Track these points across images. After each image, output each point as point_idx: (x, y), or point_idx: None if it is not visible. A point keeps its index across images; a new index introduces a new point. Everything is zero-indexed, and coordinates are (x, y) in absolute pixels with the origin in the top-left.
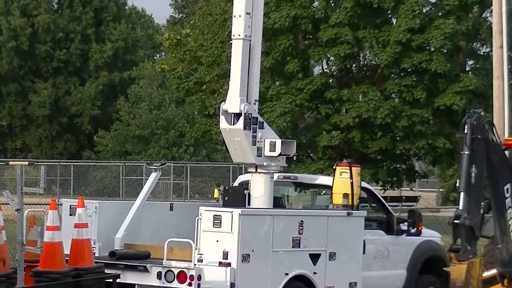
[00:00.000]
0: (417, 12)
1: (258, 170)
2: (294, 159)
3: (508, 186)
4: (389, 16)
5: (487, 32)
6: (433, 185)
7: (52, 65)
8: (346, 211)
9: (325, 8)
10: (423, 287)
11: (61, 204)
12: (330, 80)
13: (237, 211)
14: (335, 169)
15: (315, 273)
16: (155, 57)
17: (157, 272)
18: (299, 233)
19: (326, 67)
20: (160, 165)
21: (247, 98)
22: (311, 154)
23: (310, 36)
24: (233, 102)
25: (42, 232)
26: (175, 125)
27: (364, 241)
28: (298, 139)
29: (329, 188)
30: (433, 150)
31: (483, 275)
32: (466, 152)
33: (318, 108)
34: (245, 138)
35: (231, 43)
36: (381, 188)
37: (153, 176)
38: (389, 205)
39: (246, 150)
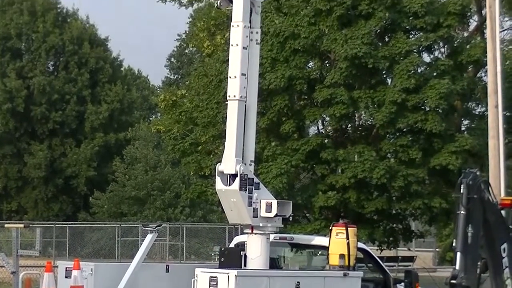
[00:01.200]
0: (412, 72)
1: (254, 231)
2: (290, 219)
3: (504, 245)
4: (384, 76)
5: (482, 92)
6: (430, 244)
7: (48, 126)
8: (342, 271)
9: (320, 69)
10: None
11: (57, 266)
12: (326, 140)
13: (233, 273)
14: (331, 229)
15: None
16: (150, 118)
17: None
18: None
19: (322, 127)
20: (156, 227)
21: (242, 159)
22: (307, 215)
23: (306, 97)
24: (228, 163)
25: None
26: (171, 186)
27: None
28: (294, 199)
29: (326, 248)
30: (429, 210)
31: None
32: (462, 212)
33: (314, 169)
34: (241, 199)
35: (227, 104)
36: (378, 248)
37: (149, 237)
38: (386, 265)
39: (242, 211)
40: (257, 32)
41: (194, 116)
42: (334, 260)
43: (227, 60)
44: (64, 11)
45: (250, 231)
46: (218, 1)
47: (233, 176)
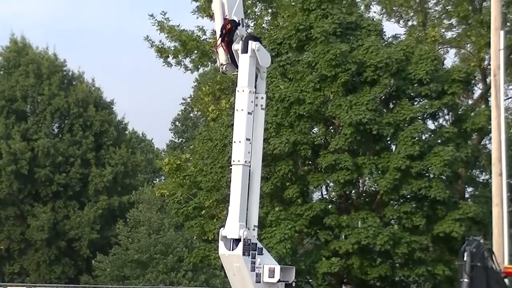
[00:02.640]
0: (416, 139)
1: None
2: (293, 285)
3: None
4: (389, 142)
5: (486, 160)
6: None
7: (52, 189)
8: None
9: (325, 134)
10: None
11: None
12: (330, 206)
13: None
14: None
15: None
16: (154, 182)
17: None
18: None
19: (326, 193)
20: None
21: (246, 224)
22: (310, 281)
23: (310, 162)
24: (232, 227)
25: None
26: (174, 250)
27: None
28: (297, 265)
29: None
30: (433, 277)
31: None
32: (465, 280)
33: (317, 234)
34: (244, 264)
35: (231, 168)
36: None
37: None
38: None
39: (245, 276)
40: (262, 98)
41: (198, 180)
42: None
43: (232, 125)
44: (70, 74)
45: None
46: (224, 66)
47: (237, 241)
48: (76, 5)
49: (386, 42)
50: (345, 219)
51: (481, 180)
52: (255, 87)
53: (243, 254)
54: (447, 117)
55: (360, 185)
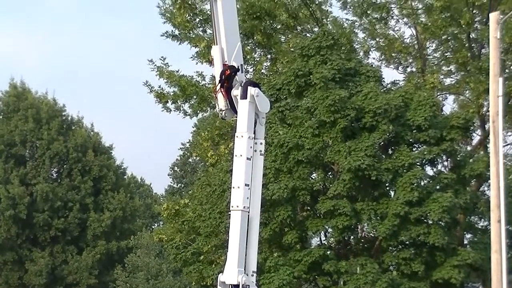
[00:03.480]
0: (415, 185)
1: None
2: None
3: None
4: (387, 188)
5: (485, 206)
6: None
7: (50, 233)
8: None
9: (324, 180)
10: None
11: None
12: (328, 252)
13: None
14: None
15: None
16: (153, 227)
17: None
18: None
19: (324, 238)
20: None
21: (245, 270)
22: None
23: (309, 208)
24: (230, 273)
25: None
26: None
27: None
28: None
29: None
30: None
31: None
32: None
33: (316, 280)
34: None
35: (230, 214)
36: None
37: None
38: None
39: None
40: (261, 143)
41: (196, 226)
42: None
43: (231, 170)
44: (69, 119)
45: None
46: (223, 112)
47: (235, 287)
48: (75, 50)
49: (385, 88)
50: (344, 265)
51: (480, 227)
52: (254, 132)
53: None
54: (445, 163)
55: (359, 231)
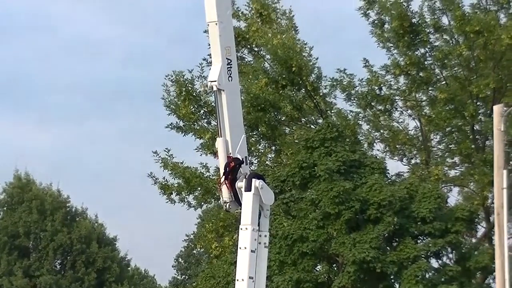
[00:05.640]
0: (420, 277)
1: None
2: None
3: None
4: (392, 281)
5: None
6: None
7: None
8: None
9: (328, 272)
10: None
11: None
12: None
13: None
14: None
15: None
16: None
17: None
18: None
19: None
20: None
21: None
22: None
23: None
24: None
25: None
26: None
27: None
28: None
29: None
30: None
31: None
32: None
33: None
34: None
35: None
36: None
37: None
38: None
39: None
40: (265, 236)
41: None
42: None
43: (235, 262)
44: (73, 210)
45: None
46: (227, 204)
47: None
48: (79, 141)
49: (389, 180)
50: None
51: None
52: (259, 225)
53: None
54: (450, 255)
55: None
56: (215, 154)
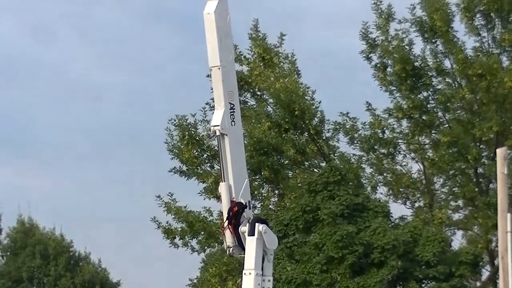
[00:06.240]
0: None
1: None
2: None
3: None
4: None
5: None
6: None
7: None
8: None
9: None
10: None
11: None
12: None
13: None
14: None
15: None
16: None
17: None
18: None
19: None
20: None
21: None
22: None
23: None
24: None
25: None
26: None
27: None
28: None
29: None
30: None
31: None
32: None
33: None
34: None
35: None
36: None
37: None
38: None
39: None
40: (269, 280)
41: None
42: None
43: None
44: (77, 255)
45: None
46: (231, 249)
47: None
48: (81, 185)
49: (393, 224)
50: None
51: None
52: (262, 269)
53: None
54: None
55: None
56: (218, 198)
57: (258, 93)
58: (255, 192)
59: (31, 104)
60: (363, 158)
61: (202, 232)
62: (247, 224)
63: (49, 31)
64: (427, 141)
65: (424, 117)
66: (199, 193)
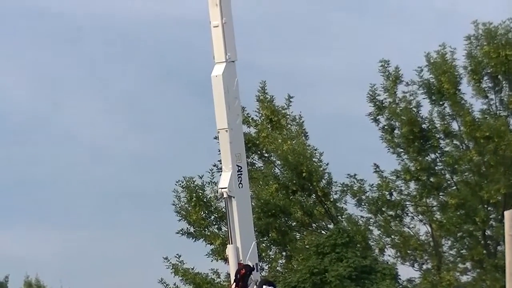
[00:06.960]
0: None
1: None
2: None
3: None
4: None
5: None
6: None
7: None
8: None
9: None
10: None
11: None
12: None
13: None
14: None
15: None
16: None
17: None
18: None
19: None
20: None
21: None
22: None
23: None
24: None
25: None
26: None
27: None
28: None
29: None
30: None
31: None
32: None
33: None
34: None
35: None
36: None
37: None
38: None
39: None
40: None
41: None
42: None
43: None
44: None
45: None
46: None
47: None
48: (87, 246)
49: (401, 286)
50: None
51: None
52: None
53: None
54: None
55: None
56: (226, 260)
57: (266, 155)
58: (263, 254)
59: (31, 162)
60: (371, 220)
61: None
62: (255, 286)
63: None
64: (435, 203)
65: (431, 179)
66: (206, 254)
